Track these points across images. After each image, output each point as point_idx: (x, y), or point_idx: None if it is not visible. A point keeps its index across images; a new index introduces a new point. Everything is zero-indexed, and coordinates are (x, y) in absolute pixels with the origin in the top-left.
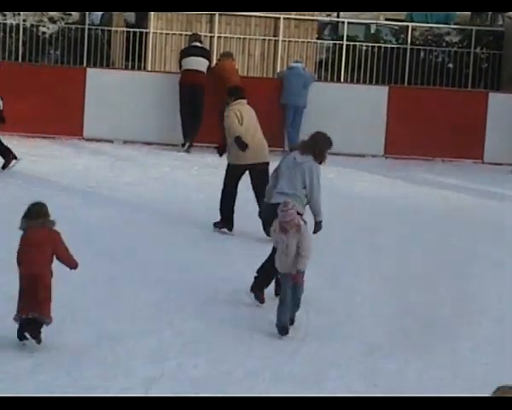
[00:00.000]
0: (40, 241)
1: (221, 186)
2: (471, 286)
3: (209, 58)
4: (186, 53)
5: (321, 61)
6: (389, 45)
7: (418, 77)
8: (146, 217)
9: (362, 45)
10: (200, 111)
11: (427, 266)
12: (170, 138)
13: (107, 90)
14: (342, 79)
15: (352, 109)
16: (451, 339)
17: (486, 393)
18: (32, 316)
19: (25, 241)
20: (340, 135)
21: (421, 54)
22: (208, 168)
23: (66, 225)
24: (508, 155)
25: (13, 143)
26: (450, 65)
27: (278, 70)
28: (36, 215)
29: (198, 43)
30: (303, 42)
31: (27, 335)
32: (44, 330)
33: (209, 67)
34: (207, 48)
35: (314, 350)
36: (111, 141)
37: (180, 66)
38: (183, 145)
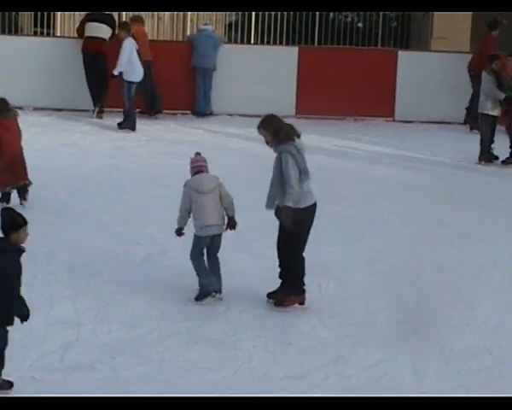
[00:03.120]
0: (14, 126)
1: (133, 151)
2: (375, 243)
3: (113, 25)
4: (89, 18)
5: (230, 24)
6: None
7: (328, 37)
8: (57, 184)
9: None
10: (104, 78)
11: (340, 224)
12: (81, 104)
13: (16, 56)
14: (252, 41)
15: (262, 71)
16: (366, 297)
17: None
18: (28, 183)
19: (3, 128)
20: (252, 96)
21: (331, 14)
22: (120, 133)
23: None
24: (418, 113)
25: None
26: (360, 24)
27: (188, 33)
28: (6, 108)
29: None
30: None
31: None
32: None
33: (113, 35)
34: (113, 15)
35: (228, 312)
36: (21, 108)
37: (79, 30)
38: (94, 111)
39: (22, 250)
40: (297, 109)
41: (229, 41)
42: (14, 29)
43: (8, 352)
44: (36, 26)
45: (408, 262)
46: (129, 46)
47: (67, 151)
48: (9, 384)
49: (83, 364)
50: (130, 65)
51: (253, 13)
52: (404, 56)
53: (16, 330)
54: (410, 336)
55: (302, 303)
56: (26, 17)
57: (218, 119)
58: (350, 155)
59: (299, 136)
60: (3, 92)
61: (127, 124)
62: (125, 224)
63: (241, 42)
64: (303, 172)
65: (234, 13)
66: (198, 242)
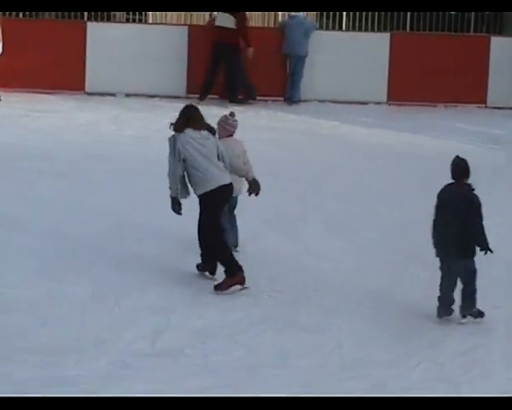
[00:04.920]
0: None
1: None
2: None
3: (235, 14)
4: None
5: None
6: None
7: (420, 23)
8: (149, 169)
9: None
10: (235, 69)
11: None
12: (172, 90)
13: (108, 43)
14: (344, 27)
15: (354, 57)
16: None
17: None
18: None
19: None
20: (343, 83)
21: None
22: (212, 119)
23: (71, 179)
24: (510, 99)
25: (14, 98)
26: None
27: (280, 19)
28: None
29: None
30: None
31: None
32: (47, 283)
33: (239, 23)
34: None
35: (319, 298)
36: (113, 94)
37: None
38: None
39: None
40: (389, 96)
41: (321, 27)
42: (106, 16)
43: (99, 336)
44: (128, 12)
45: (500, 249)
46: None
47: (159, 137)
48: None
49: (173, 349)
50: None
51: None
52: (497, 42)
53: (106, 315)
54: (502, 323)
55: (242, 283)
56: None
57: (308, 105)
58: (441, 142)
59: (202, 128)
60: (96, 79)
61: None
62: None
63: (333, 28)
64: (187, 162)
65: None
66: None
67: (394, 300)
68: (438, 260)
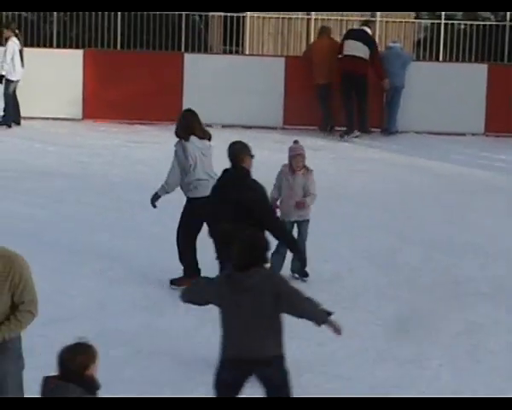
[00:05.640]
0: None
1: (319, 168)
2: None
3: (368, 43)
4: (345, 36)
5: (419, 41)
6: (488, 23)
7: None
8: None
9: (460, 24)
10: (362, 99)
11: None
12: (268, 122)
13: (205, 74)
14: (441, 58)
15: (451, 88)
16: None
17: None
18: None
19: None
20: (440, 114)
21: None
22: (307, 150)
23: (170, 207)
24: None
25: (112, 129)
26: None
27: None
28: None
29: (366, 28)
30: (401, 21)
31: None
32: (147, 315)
33: (375, 53)
34: (368, 32)
35: (415, 329)
36: (210, 125)
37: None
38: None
39: None
40: (486, 127)
41: (418, 58)
42: (203, 47)
43: (194, 367)
44: (225, 44)
45: None
46: (12, 46)
47: (256, 167)
48: None
49: None
50: (11, 64)
51: (442, 29)
52: None
53: (203, 346)
54: None
55: None
56: (215, 35)
57: (405, 136)
58: None
59: (204, 137)
60: (194, 110)
61: (4, 121)
62: (313, 241)
63: (430, 59)
64: (184, 170)
65: (422, 30)
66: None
67: (495, 333)
68: None
